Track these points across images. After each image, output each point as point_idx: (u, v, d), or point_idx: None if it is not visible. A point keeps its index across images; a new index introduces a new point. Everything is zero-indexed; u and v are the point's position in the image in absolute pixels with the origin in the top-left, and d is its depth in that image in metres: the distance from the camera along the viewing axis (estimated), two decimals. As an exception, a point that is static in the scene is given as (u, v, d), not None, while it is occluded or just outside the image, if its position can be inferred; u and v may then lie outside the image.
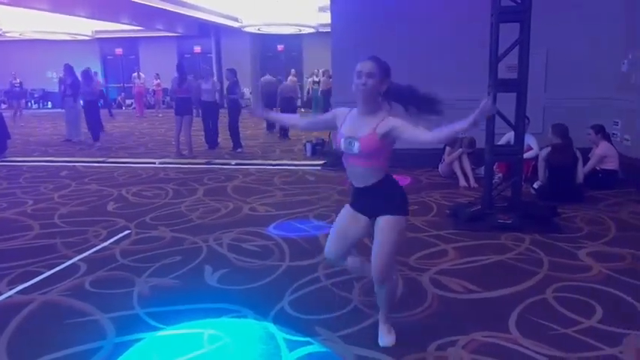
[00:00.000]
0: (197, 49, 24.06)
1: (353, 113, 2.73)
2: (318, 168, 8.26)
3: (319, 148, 9.68)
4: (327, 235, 4.76)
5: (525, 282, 3.70)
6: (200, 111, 10.77)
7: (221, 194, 6.58)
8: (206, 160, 9.12)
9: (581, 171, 6.25)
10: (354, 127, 2.65)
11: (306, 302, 3.47)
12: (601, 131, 6.66)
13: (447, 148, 7.23)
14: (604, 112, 7.61)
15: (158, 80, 20.09)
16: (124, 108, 22.58)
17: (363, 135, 2.60)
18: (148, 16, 18.02)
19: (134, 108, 20.43)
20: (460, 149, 7.09)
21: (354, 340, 2.97)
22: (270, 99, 13.23)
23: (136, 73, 19.87)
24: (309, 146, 9.77)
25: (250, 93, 22.23)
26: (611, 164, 6.50)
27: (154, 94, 20.72)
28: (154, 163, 9.09)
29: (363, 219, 2.80)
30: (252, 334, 3.09)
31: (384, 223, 2.67)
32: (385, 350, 2.83)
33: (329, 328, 3.09)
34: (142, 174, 8.04)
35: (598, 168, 6.49)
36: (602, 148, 6.52)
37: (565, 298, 3.43)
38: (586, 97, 7.64)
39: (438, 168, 7.49)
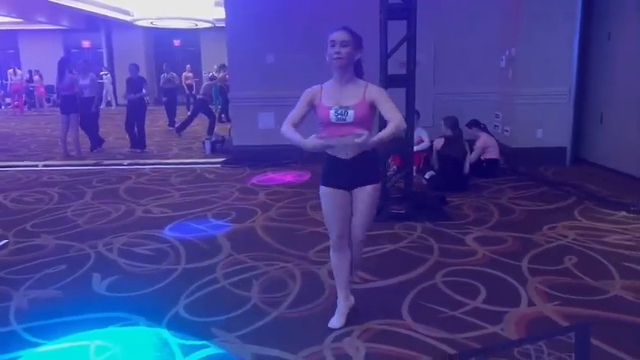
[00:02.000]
0: (86, 43, 22.64)
1: (327, 86, 2.78)
2: (218, 166, 8.08)
3: (219, 146, 9.46)
4: (225, 234, 4.76)
5: (417, 269, 3.87)
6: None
7: (112, 197, 6.21)
8: (95, 161, 8.57)
9: (468, 161, 6.65)
10: (340, 97, 2.71)
11: (202, 305, 3.37)
12: (475, 125, 7.13)
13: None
14: (487, 105, 8.15)
15: (37, 76, 18.67)
16: (2, 107, 20.66)
17: (355, 103, 2.68)
18: (27, 6, 16.65)
19: (12, 107, 18.77)
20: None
21: (252, 339, 2.92)
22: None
23: (12, 70, 18.35)
24: (208, 144, 9.52)
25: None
26: (492, 154, 6.98)
27: (36, 91, 19.25)
28: (37, 165, 8.40)
29: (344, 194, 2.83)
30: (143, 341, 2.94)
31: (371, 191, 2.81)
32: (282, 346, 2.81)
33: (226, 329, 3.02)
34: (22, 178, 7.39)
35: (482, 158, 6.94)
36: (483, 139, 6.97)
37: (453, 282, 3.62)
38: (471, 91, 8.10)
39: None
